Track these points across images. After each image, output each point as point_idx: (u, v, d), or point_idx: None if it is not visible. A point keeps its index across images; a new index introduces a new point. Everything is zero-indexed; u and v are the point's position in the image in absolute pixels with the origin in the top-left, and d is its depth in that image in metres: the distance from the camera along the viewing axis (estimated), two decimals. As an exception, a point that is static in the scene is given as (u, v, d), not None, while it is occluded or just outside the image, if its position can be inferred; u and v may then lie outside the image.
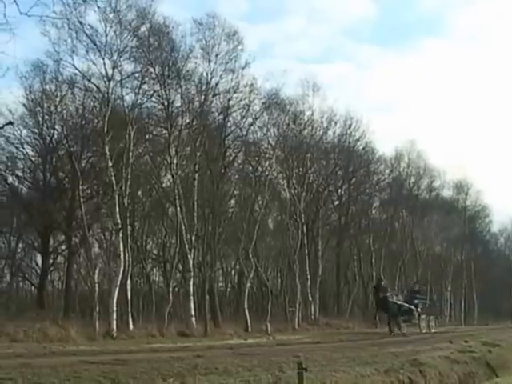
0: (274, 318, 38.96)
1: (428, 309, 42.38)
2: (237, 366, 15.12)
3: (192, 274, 34.75)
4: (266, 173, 41.85)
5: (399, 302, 37.61)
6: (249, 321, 36.20)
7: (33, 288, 42.37)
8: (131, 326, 30.04)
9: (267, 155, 43.04)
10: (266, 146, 43.35)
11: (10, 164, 38.95)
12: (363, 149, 55.06)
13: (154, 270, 47.84)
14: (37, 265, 41.98)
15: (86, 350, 21.03)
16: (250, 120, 40.44)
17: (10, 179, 39.31)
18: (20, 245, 42.05)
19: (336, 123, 51.53)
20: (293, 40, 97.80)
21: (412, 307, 38.42)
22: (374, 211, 61.19)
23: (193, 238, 34.90)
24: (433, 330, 39.46)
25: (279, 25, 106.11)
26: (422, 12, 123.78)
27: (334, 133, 51.99)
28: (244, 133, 40.88)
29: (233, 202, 47.71)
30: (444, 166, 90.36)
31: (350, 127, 53.26)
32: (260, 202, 41.84)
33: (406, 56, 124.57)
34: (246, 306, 37.51)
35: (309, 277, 45.36)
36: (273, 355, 18.58)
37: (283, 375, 14.02)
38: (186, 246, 34.06)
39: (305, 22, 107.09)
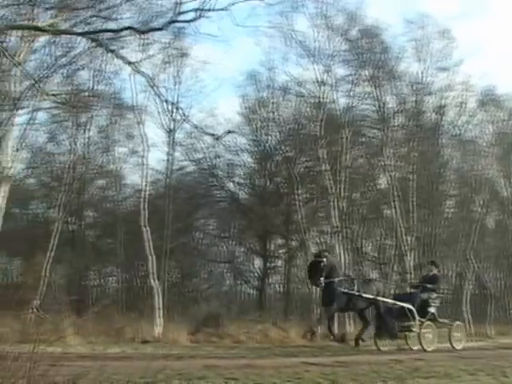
0: (495, 321, 37.84)
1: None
2: (458, 370, 14.75)
3: (410, 275, 34.42)
4: (484, 171, 40.69)
5: (370, 297, 22.78)
6: (470, 323, 35.37)
7: (252, 290, 43.37)
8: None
9: (484, 153, 41.88)
10: (482, 143, 42.18)
11: (229, 171, 40.35)
12: None
13: (372, 271, 47.68)
14: (255, 268, 42.97)
15: (306, 351, 21.34)
16: (464, 118, 39.62)
17: (230, 186, 40.69)
18: (240, 249, 43.20)
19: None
20: (505, 36, 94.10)
21: (410, 307, 22.84)
22: None
23: (411, 240, 34.54)
24: (459, 347, 23.35)
25: (490, 21, 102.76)
26: None
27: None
28: (459, 131, 40.00)
29: (450, 202, 46.71)
30: None
31: None
32: (480, 202, 40.71)
33: None
34: (466, 308, 36.59)
35: (530, 278, 43.64)
36: (495, 359, 17.94)
37: (507, 380, 13.59)
38: (405, 248, 33.75)
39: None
